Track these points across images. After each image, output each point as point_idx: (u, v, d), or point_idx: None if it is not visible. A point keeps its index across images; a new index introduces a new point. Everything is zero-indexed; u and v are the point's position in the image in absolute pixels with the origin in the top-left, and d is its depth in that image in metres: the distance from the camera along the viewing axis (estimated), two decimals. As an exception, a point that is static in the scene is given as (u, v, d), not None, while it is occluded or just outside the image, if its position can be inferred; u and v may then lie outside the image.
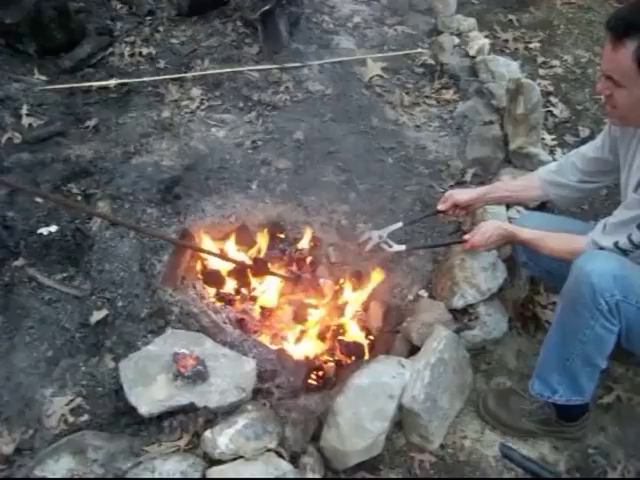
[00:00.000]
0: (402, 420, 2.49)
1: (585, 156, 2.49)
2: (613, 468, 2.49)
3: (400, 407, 2.43)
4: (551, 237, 2.39)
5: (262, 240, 3.17)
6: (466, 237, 2.59)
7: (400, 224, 2.84)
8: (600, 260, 2.15)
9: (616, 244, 2.15)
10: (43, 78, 3.76)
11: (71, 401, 2.40)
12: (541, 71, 4.33)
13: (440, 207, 2.79)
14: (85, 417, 2.38)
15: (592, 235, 2.23)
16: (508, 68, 3.95)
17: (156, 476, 2.12)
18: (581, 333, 2.20)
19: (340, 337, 2.94)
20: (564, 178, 2.56)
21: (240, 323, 2.86)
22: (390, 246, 2.73)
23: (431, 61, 4.21)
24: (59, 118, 3.52)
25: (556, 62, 4.43)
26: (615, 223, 2.17)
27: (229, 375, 2.41)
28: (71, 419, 2.36)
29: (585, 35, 4.72)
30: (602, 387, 2.68)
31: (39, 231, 2.84)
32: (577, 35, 4.74)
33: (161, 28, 4.23)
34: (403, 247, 2.74)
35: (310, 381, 2.70)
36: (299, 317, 3.00)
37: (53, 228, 2.88)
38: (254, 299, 3.06)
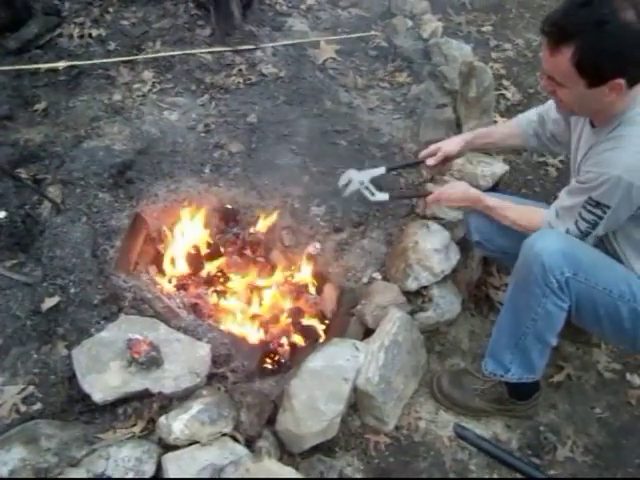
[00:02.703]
0: (357, 402, 2.51)
1: (552, 115, 2.54)
2: (563, 444, 2.56)
3: (355, 389, 2.45)
4: (514, 208, 2.43)
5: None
6: (433, 190, 2.62)
7: (382, 170, 2.76)
8: (550, 238, 2.20)
9: (567, 231, 2.21)
10: (-12, 60, 3.67)
11: (23, 390, 2.37)
12: (493, 54, 4.37)
13: (430, 162, 2.74)
14: (38, 406, 2.34)
15: (548, 218, 2.28)
16: (461, 51, 3.97)
17: (111, 463, 2.11)
18: (533, 311, 2.25)
19: (294, 320, 2.94)
20: (542, 131, 2.62)
21: (194, 308, 2.84)
22: (372, 194, 2.66)
23: (384, 44, 4.20)
24: (6, 101, 3.45)
25: (508, 45, 4.48)
26: (563, 208, 2.23)
27: (183, 360, 2.41)
28: (23, 408, 2.32)
29: (536, 19, 4.75)
30: (553, 366, 2.75)
31: (-13, 217, 2.79)
32: (529, 19, 4.79)
33: (111, 9, 4.14)
34: (386, 196, 2.67)
35: (265, 365, 2.70)
36: (253, 300, 2.99)
37: (2, 214, 2.84)
38: (208, 283, 3.04)
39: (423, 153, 2.80)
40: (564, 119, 2.45)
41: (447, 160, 2.77)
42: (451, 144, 2.74)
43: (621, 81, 1.94)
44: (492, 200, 2.48)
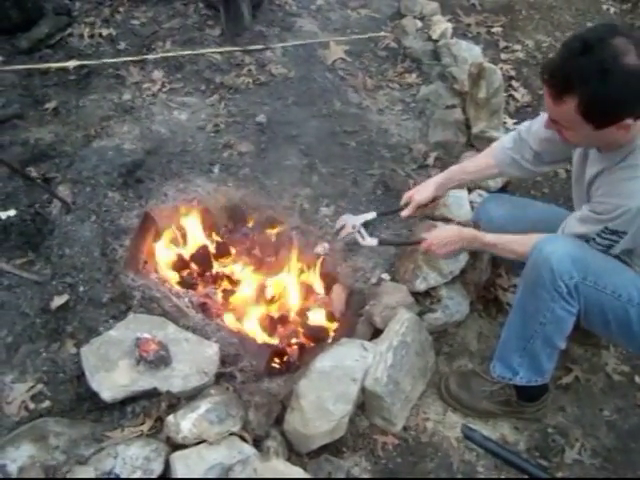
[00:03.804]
0: (365, 403, 2.51)
1: (538, 135, 2.45)
2: (571, 446, 2.55)
3: (363, 390, 2.45)
4: (517, 240, 2.33)
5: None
6: (424, 236, 2.54)
7: (374, 214, 2.77)
8: (559, 243, 2.19)
9: None
10: (-1, 58, 3.69)
11: (32, 387, 2.37)
12: (503, 55, 4.36)
13: (405, 213, 2.70)
14: (46, 403, 2.35)
15: None
16: (470, 52, 3.96)
17: (119, 461, 2.11)
18: (541, 315, 2.24)
19: (303, 320, 2.94)
20: (520, 157, 2.54)
21: (203, 307, 2.84)
22: (363, 237, 2.67)
23: (394, 44, 4.20)
24: (16, 100, 3.46)
25: (518, 47, 4.47)
26: (576, 235, 2.20)
27: (192, 359, 2.41)
28: (32, 406, 2.33)
29: (546, 20, 4.75)
30: (561, 368, 2.74)
31: (-3, 215, 2.80)
32: (538, 20, 4.78)
33: (121, 9, 4.15)
34: (375, 242, 2.66)
35: (273, 365, 2.70)
36: (262, 300, 2.99)
37: (12, 212, 2.84)
38: (217, 283, 3.04)
39: (401, 202, 2.75)
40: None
41: (422, 208, 2.73)
42: (423, 192, 2.68)
43: (629, 121, 1.91)
44: (490, 236, 2.40)
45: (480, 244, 2.43)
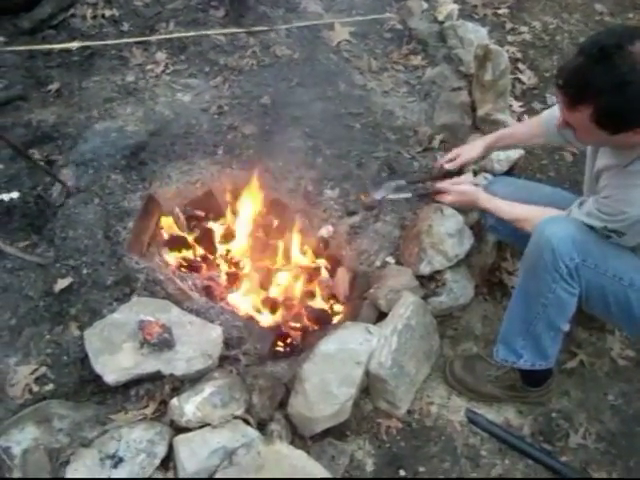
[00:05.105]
0: (369, 386, 2.51)
1: None
2: (575, 431, 2.55)
3: (367, 373, 2.45)
4: (526, 219, 2.38)
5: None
6: (444, 187, 2.66)
7: (403, 182, 2.89)
8: (560, 224, 2.20)
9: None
10: (1, 39, 3.64)
11: (35, 370, 2.38)
12: (509, 37, 4.31)
13: (449, 166, 2.78)
14: (50, 386, 2.36)
15: None
16: (476, 34, 3.92)
17: (122, 444, 2.12)
18: (543, 297, 2.25)
19: (307, 303, 2.94)
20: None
21: (207, 290, 2.84)
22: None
23: (399, 26, 4.15)
24: (19, 81, 3.42)
25: (524, 28, 4.41)
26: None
27: (195, 342, 2.41)
28: (36, 388, 2.33)
29: (553, 1, 4.69)
30: (566, 352, 2.74)
31: (0, 197, 2.78)
32: (545, 1, 4.72)
33: (124, -11, 4.12)
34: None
35: (277, 348, 2.70)
36: (266, 283, 2.99)
37: (15, 194, 2.83)
38: (220, 266, 3.03)
39: (444, 159, 2.82)
40: None
41: (466, 165, 2.79)
42: (472, 151, 2.75)
43: None
44: (504, 207, 2.49)
45: (493, 208, 2.53)
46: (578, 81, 1.89)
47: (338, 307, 2.95)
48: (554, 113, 2.55)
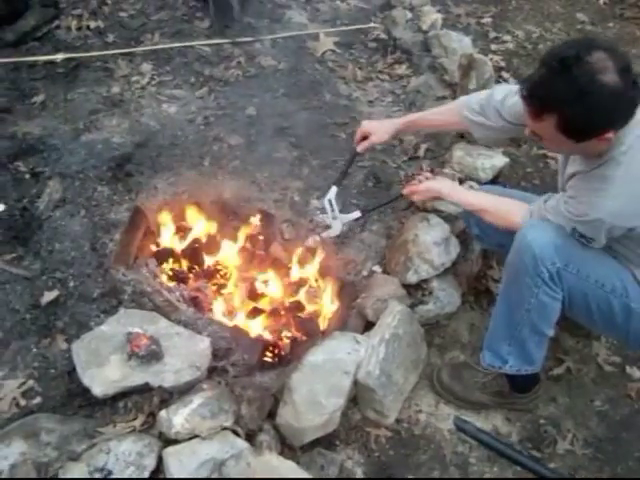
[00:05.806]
0: (357, 396, 2.51)
1: (514, 109, 2.42)
2: (563, 437, 2.56)
3: (355, 383, 2.45)
4: (501, 216, 2.43)
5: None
6: (410, 190, 2.65)
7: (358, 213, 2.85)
8: (541, 230, 2.22)
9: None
10: (-16, 52, 3.65)
11: (23, 384, 2.36)
12: (493, 46, 4.36)
13: (360, 149, 2.80)
14: (37, 400, 2.34)
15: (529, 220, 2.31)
16: (460, 43, 3.95)
17: (111, 457, 2.10)
18: (526, 302, 2.27)
19: (294, 314, 2.94)
20: (488, 120, 2.56)
21: (194, 301, 2.83)
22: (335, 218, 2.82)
23: (384, 36, 4.19)
24: (4, 94, 3.43)
25: (508, 37, 4.46)
26: (549, 220, 2.25)
27: (184, 354, 2.40)
28: (23, 402, 2.31)
29: (536, 10, 4.75)
30: (553, 359, 2.76)
31: (-15, 210, 2.78)
32: (528, 10, 4.78)
33: (109, 1, 4.13)
34: (358, 213, 2.81)
35: (265, 358, 2.70)
36: (253, 294, 2.99)
37: (0, 207, 2.82)
38: (207, 277, 3.03)
39: (357, 136, 2.82)
40: None
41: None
42: (382, 135, 2.75)
43: (610, 134, 1.93)
44: (476, 202, 2.51)
45: (457, 199, 2.57)
46: (541, 92, 1.95)
47: (325, 317, 2.94)
48: (472, 105, 2.60)
